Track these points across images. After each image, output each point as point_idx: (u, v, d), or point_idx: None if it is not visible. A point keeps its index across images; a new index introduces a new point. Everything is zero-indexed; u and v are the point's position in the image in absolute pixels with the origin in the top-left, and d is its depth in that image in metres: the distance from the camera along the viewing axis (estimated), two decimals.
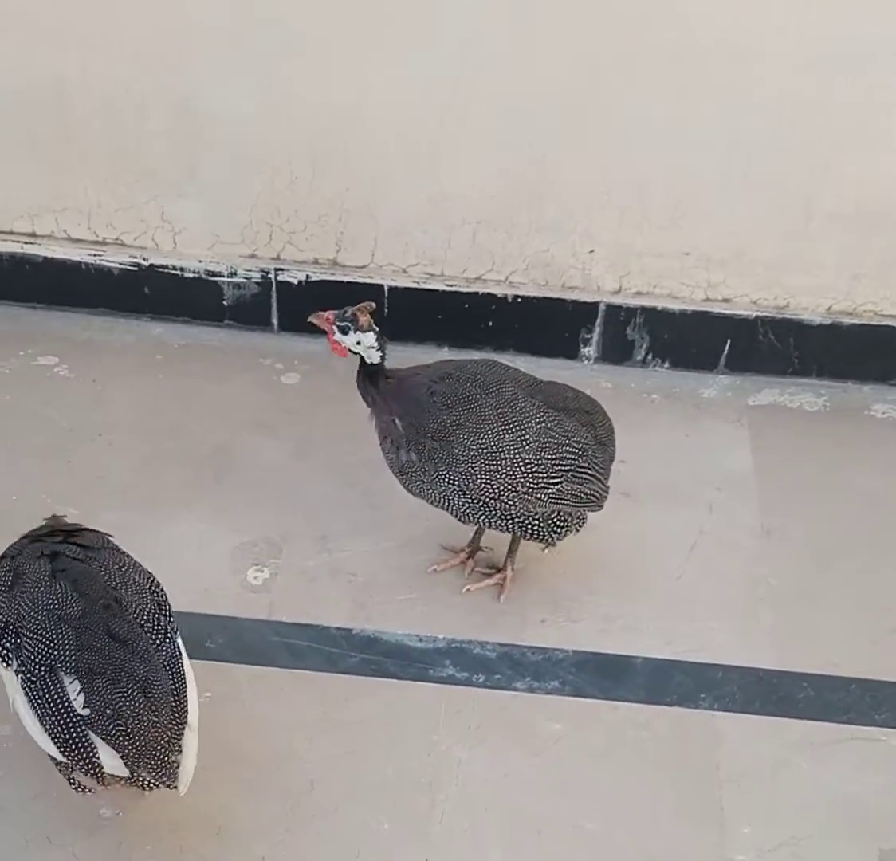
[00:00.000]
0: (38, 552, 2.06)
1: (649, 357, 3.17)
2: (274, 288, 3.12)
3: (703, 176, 2.91)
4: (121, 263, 3.12)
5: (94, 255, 3.12)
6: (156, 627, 2.01)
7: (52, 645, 1.93)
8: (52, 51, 2.84)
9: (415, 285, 3.11)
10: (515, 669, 2.40)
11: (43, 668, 1.92)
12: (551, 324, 3.15)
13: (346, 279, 3.11)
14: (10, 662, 1.97)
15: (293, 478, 2.80)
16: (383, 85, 2.84)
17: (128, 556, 2.13)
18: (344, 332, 2.28)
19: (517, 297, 3.11)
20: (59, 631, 1.94)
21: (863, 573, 2.64)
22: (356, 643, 2.43)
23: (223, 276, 3.12)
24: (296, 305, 3.12)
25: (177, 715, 1.94)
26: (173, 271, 3.13)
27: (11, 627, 1.98)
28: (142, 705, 1.90)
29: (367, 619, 2.48)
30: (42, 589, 2.00)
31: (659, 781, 2.22)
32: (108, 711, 1.89)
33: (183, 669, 2.00)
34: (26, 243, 3.12)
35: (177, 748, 1.92)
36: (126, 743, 1.88)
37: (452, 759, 2.23)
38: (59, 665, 1.92)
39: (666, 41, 2.73)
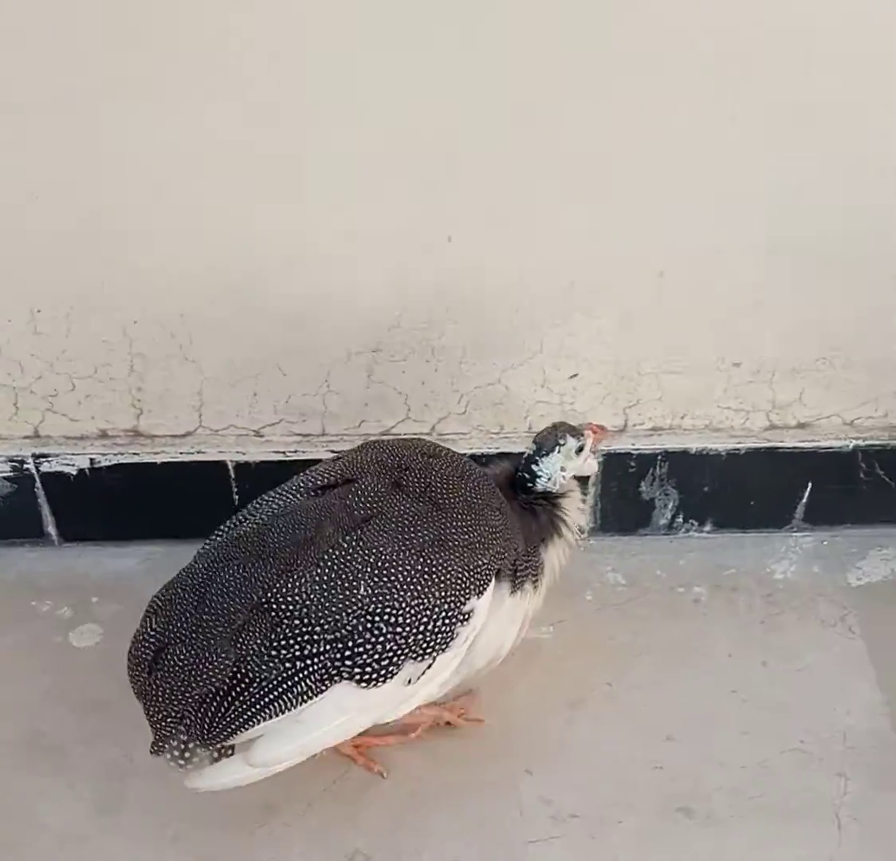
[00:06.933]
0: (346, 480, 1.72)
1: None
2: None
3: None
4: None
5: None
6: (297, 653, 1.57)
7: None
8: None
9: None
10: None
11: None
12: None
13: None
14: None
15: None
16: None
17: (428, 574, 1.62)
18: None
19: None
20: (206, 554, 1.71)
21: None
22: None
23: None
24: None
25: (204, 712, 1.57)
26: None
27: None
28: (148, 657, 1.62)
29: None
30: (274, 503, 1.72)
31: None
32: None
33: (268, 693, 1.56)
34: None
35: (172, 736, 1.59)
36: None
37: None
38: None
39: None
